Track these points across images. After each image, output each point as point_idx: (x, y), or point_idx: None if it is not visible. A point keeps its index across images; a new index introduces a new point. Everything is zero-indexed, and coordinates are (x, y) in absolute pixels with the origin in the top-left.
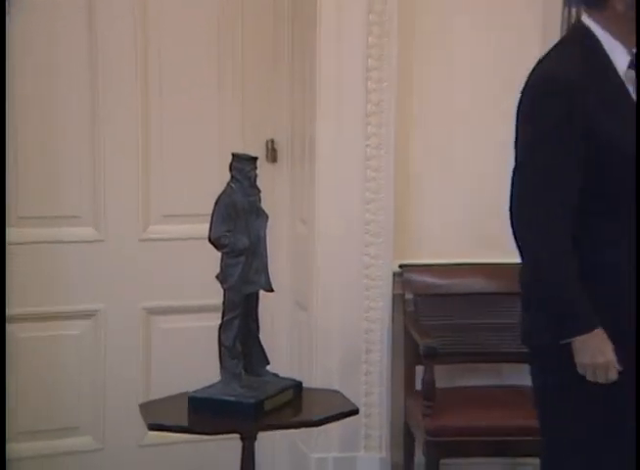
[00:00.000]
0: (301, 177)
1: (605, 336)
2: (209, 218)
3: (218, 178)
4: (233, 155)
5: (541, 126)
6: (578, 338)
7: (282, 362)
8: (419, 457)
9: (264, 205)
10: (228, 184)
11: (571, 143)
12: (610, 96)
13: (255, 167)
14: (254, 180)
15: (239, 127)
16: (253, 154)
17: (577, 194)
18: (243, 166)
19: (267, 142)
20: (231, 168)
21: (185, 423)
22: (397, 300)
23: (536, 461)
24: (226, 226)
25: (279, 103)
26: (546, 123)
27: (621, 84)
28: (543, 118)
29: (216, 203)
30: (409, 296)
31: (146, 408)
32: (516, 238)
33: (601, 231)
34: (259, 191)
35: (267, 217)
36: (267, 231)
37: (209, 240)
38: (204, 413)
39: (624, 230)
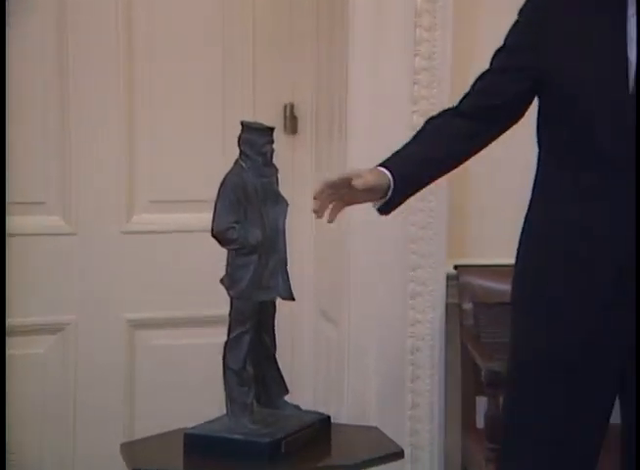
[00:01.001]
0: (329, 153)
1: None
2: (212, 206)
3: (223, 154)
4: (242, 124)
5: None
6: None
7: (305, 391)
8: None
9: (282, 188)
10: (236, 162)
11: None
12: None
13: (272, 141)
14: (271, 157)
15: (248, 89)
16: (268, 123)
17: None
18: (255, 139)
19: (285, 107)
20: (240, 142)
21: (180, 468)
22: (452, 310)
23: None
24: (234, 216)
25: (300, 55)
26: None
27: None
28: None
29: (221, 185)
30: (467, 305)
31: (129, 449)
32: None
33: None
34: (277, 170)
35: (287, 204)
36: (287, 222)
37: (212, 233)
38: (204, 456)
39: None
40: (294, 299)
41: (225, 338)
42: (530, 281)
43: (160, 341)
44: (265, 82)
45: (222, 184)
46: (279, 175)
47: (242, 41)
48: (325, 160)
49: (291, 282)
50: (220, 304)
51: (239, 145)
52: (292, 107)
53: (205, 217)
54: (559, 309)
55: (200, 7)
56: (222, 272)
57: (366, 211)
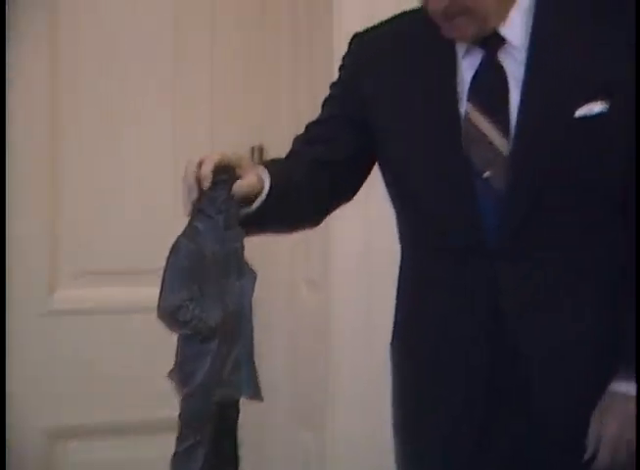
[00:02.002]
0: None
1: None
2: (159, 278)
3: (173, 212)
4: (214, 173)
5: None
6: None
7: None
8: None
9: (250, 256)
10: (191, 222)
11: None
12: (417, 114)
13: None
14: (235, 216)
15: (207, 126)
16: None
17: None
18: (216, 193)
19: (253, 150)
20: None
21: None
22: None
23: None
24: (187, 291)
25: (273, 86)
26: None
27: (452, 104)
28: None
29: (171, 252)
30: None
31: None
32: None
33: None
34: (243, 233)
35: (255, 277)
36: (255, 299)
37: (158, 314)
38: None
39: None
40: (262, 399)
41: (173, 450)
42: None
43: (85, 455)
44: (230, 119)
45: (172, 251)
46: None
47: (201, 65)
48: None
49: (259, 378)
50: (167, 405)
51: (192, 204)
52: (261, 149)
53: (149, 293)
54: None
55: (151, 34)
56: (171, 363)
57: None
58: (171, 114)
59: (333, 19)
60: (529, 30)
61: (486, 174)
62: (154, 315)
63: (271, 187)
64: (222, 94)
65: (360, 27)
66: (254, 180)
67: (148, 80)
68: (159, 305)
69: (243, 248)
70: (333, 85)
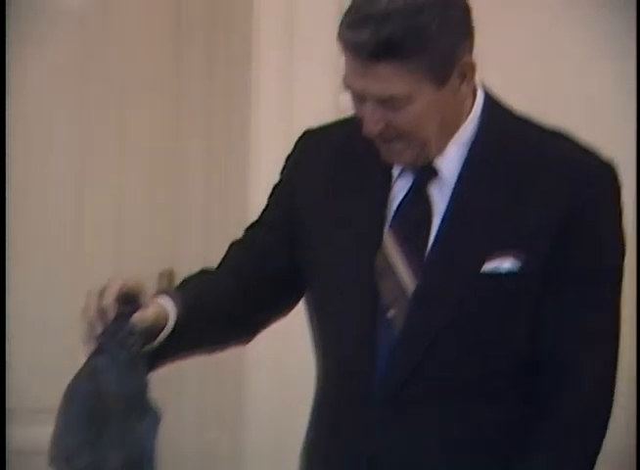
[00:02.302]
0: None
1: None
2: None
3: (70, 345)
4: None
5: None
6: None
7: None
8: None
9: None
10: (89, 359)
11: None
12: (345, 228)
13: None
14: (139, 352)
15: (110, 249)
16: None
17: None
18: (118, 326)
19: (162, 276)
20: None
21: None
22: None
23: None
24: (83, 435)
25: (183, 210)
26: None
27: (376, 229)
28: None
29: (67, 393)
30: None
31: None
32: None
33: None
34: (147, 370)
35: (159, 417)
36: (158, 441)
37: (50, 460)
38: None
39: None
40: None
41: None
42: None
43: None
44: (136, 241)
45: (68, 391)
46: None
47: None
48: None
49: None
50: None
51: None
52: (171, 274)
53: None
54: None
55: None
56: None
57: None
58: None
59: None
60: (460, 169)
61: (390, 313)
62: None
63: (184, 312)
64: (129, 218)
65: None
66: (160, 310)
67: (49, 212)
68: (50, 451)
69: (146, 386)
70: (275, 186)
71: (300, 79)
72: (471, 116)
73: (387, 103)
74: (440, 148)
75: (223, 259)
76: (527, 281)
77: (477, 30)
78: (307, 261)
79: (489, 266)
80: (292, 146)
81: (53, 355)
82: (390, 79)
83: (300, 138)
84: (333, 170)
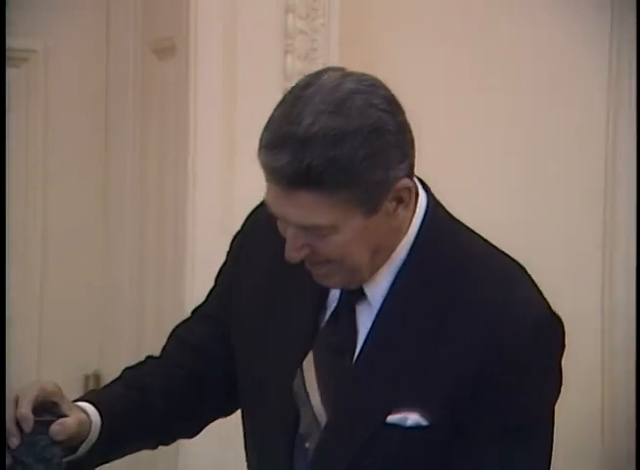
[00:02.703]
0: None
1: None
2: None
3: None
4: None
5: None
6: None
7: None
8: None
9: None
10: None
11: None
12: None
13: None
14: (59, 463)
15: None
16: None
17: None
18: (36, 438)
19: (87, 379)
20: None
21: None
22: None
23: None
24: None
25: (114, 309)
26: None
27: (305, 339)
28: None
29: None
30: None
31: None
32: None
33: None
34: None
35: None
36: None
37: None
38: None
39: None
40: None
41: None
42: None
43: None
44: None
45: None
46: None
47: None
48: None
49: None
50: None
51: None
52: (98, 378)
53: None
54: None
55: None
56: None
57: None
58: None
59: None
60: (384, 298)
61: (307, 444)
62: None
63: (110, 419)
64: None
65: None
66: (82, 418)
67: None
68: None
69: None
70: (222, 266)
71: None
72: (406, 236)
73: (309, 230)
74: (375, 271)
75: (164, 348)
76: (435, 436)
77: None
78: (236, 364)
79: (394, 418)
80: (229, 228)
81: None
82: (312, 208)
83: (250, 216)
84: (275, 263)
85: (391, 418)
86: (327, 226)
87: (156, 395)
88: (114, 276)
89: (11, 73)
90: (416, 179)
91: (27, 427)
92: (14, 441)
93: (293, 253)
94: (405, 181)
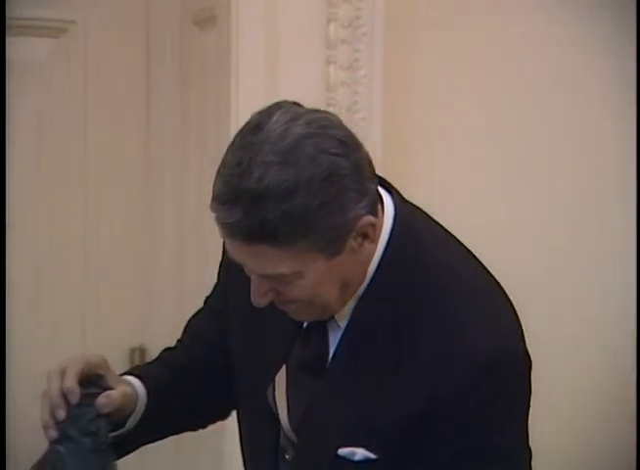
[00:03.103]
0: None
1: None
2: None
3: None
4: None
5: None
6: None
7: None
8: None
9: None
10: (52, 445)
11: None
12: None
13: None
14: (105, 437)
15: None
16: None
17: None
18: (82, 410)
19: (132, 352)
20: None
21: None
22: None
23: None
24: None
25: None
26: None
27: (284, 346)
28: None
29: None
30: None
31: None
32: None
33: None
34: (114, 457)
35: None
36: None
37: None
38: None
39: None
40: None
41: None
42: None
43: None
44: (104, 314)
45: None
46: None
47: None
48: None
49: None
50: None
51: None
52: (143, 352)
53: None
54: None
55: None
56: None
57: None
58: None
59: None
60: (347, 322)
61: (287, 456)
62: None
63: (156, 394)
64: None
65: None
66: (128, 391)
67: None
68: None
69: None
70: (220, 263)
71: None
72: (375, 256)
73: (273, 278)
74: (347, 300)
75: (179, 340)
76: (386, 468)
77: None
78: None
79: (344, 451)
80: None
81: None
82: (272, 259)
83: None
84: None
85: (341, 451)
86: (289, 274)
87: (188, 376)
88: (155, 248)
89: (49, 45)
90: (380, 189)
91: (74, 399)
92: (60, 413)
93: (258, 298)
94: (367, 218)
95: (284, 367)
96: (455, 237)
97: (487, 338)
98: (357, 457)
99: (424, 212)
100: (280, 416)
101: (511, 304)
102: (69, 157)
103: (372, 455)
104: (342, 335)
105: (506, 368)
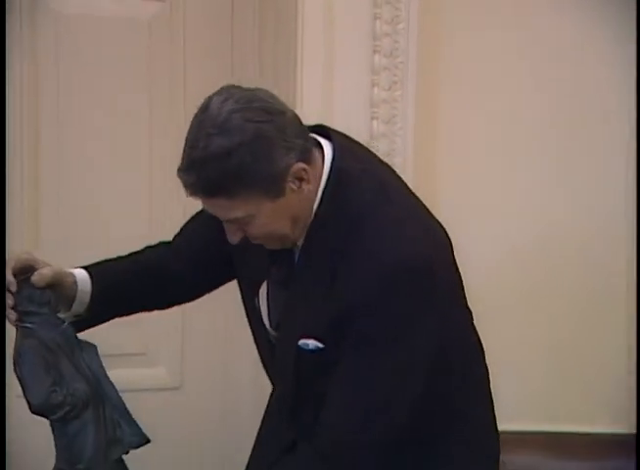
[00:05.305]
0: None
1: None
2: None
3: None
4: (15, 276)
5: None
6: None
7: None
8: None
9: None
10: (20, 326)
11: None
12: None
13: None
14: (55, 304)
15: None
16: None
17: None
18: (29, 291)
19: None
20: (17, 304)
21: None
22: None
23: None
24: (49, 379)
25: None
26: None
27: (264, 266)
28: None
29: (18, 357)
30: None
31: None
32: None
33: None
34: (66, 318)
35: (95, 347)
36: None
37: (33, 408)
38: None
39: None
40: (149, 440)
41: None
42: None
43: None
44: None
45: (17, 355)
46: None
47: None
48: None
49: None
50: None
51: (16, 310)
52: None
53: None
54: None
55: None
56: None
57: None
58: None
59: None
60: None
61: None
62: None
63: (104, 276)
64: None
65: None
66: (58, 269)
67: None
68: (29, 402)
69: (72, 328)
70: None
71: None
72: (318, 192)
73: (234, 221)
74: (304, 231)
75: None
76: (329, 362)
77: None
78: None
79: (302, 342)
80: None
81: None
82: (227, 207)
83: None
84: None
85: (300, 342)
86: (245, 217)
87: (152, 261)
88: None
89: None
90: (321, 139)
91: (14, 287)
92: (9, 301)
93: (231, 237)
94: (298, 165)
95: (264, 284)
96: (384, 168)
97: (390, 253)
98: (310, 347)
99: (364, 151)
100: (264, 319)
101: (433, 230)
102: (171, 114)
103: (320, 345)
104: (298, 257)
105: (409, 283)
